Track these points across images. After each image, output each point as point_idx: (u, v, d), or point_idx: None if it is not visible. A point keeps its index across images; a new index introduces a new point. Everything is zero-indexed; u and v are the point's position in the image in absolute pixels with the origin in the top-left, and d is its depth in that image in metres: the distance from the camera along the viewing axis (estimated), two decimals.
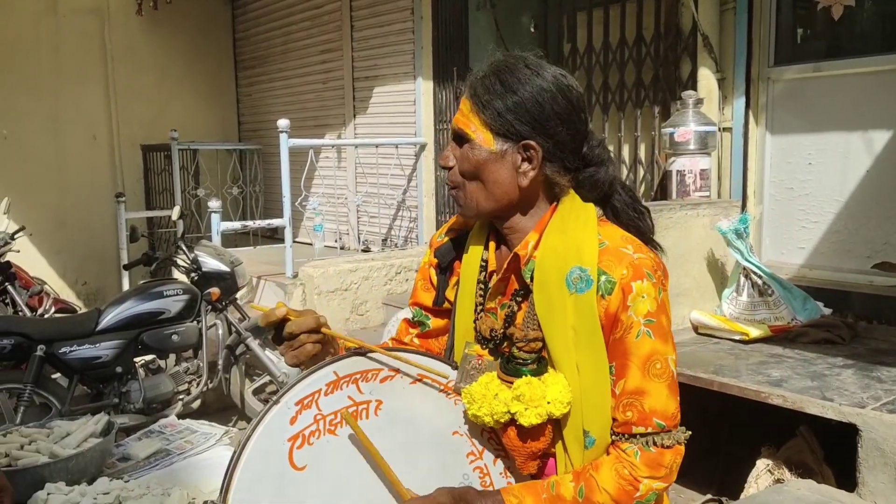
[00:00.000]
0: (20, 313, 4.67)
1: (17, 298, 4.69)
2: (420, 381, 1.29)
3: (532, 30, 5.74)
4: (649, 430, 1.22)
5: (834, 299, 3.53)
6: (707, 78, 3.98)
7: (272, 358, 4.22)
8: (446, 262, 1.44)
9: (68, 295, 7.22)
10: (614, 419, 1.24)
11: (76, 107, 7.48)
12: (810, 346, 3.17)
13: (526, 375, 1.23)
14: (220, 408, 4.46)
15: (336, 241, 5.88)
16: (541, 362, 1.25)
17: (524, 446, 1.26)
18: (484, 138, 1.26)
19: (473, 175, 1.29)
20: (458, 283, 1.41)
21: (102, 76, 7.62)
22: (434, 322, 1.48)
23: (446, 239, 1.46)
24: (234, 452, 1.12)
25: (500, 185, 1.28)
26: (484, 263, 1.37)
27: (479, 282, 1.36)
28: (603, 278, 1.22)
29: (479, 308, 1.36)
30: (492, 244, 1.37)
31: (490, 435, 1.32)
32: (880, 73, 3.57)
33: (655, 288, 1.23)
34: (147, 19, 7.73)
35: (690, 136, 3.74)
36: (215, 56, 8.28)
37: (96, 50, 7.58)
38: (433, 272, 1.47)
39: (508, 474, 1.33)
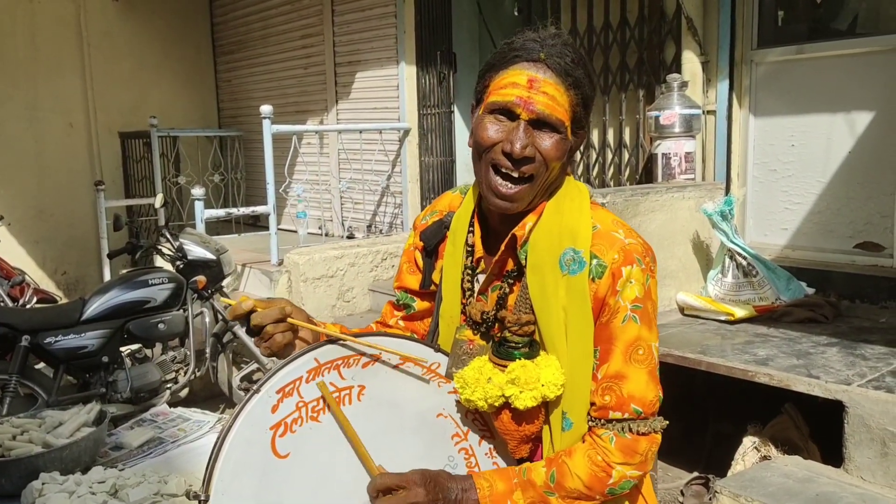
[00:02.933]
0: (2, 304, 4.61)
1: None
2: (403, 364, 1.27)
3: (515, 13, 5.73)
4: (626, 415, 1.21)
5: (817, 279, 3.58)
6: (691, 61, 4.00)
7: None
8: (432, 245, 1.42)
9: (48, 285, 7.13)
10: (592, 403, 1.24)
11: (53, 94, 7.36)
12: (795, 325, 3.22)
13: (519, 359, 1.23)
14: (207, 396, 4.44)
15: (320, 227, 5.86)
16: (533, 345, 1.25)
17: (518, 430, 1.25)
18: (569, 129, 1.23)
19: (555, 167, 1.24)
20: (442, 267, 1.39)
21: (79, 63, 7.49)
22: (419, 304, 1.47)
23: (431, 222, 1.44)
24: (216, 443, 1.10)
25: (560, 174, 1.28)
26: (470, 248, 1.35)
27: (465, 267, 1.34)
28: (594, 262, 1.22)
29: (469, 292, 1.34)
30: (477, 228, 1.35)
31: (475, 416, 1.32)
32: (862, 55, 3.60)
33: (644, 274, 1.23)
34: (123, 4, 7.61)
35: (675, 119, 3.76)
36: (193, 41, 8.17)
37: (72, 36, 7.45)
38: (418, 255, 1.45)
39: (494, 455, 1.33)
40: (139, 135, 7.39)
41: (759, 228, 4.07)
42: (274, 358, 4.39)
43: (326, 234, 5.91)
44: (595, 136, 4.59)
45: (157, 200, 4.61)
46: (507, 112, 1.21)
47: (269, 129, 4.96)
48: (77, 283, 7.55)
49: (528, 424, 1.25)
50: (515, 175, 1.21)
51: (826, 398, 2.48)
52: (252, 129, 7.36)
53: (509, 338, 1.25)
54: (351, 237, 6.00)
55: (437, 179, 5.66)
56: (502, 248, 1.29)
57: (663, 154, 3.83)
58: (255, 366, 4.34)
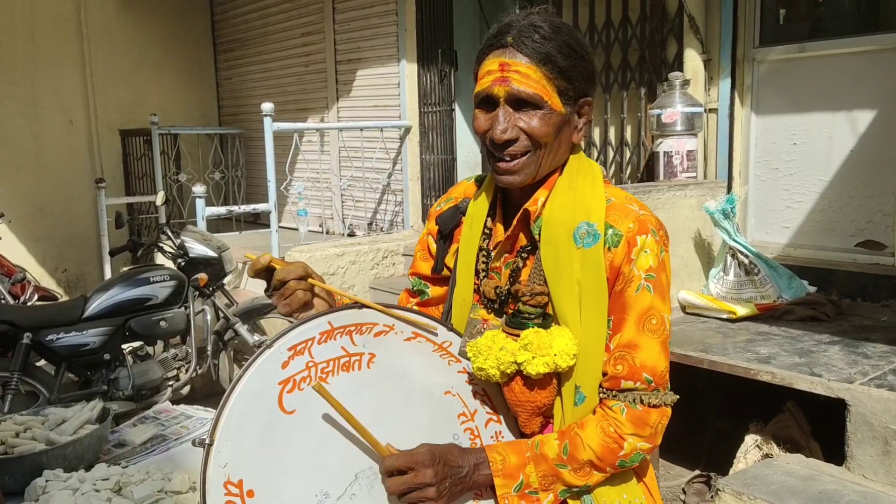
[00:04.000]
0: (3, 301, 4.61)
1: (0, 286, 4.63)
2: (415, 338, 1.28)
3: (517, 10, 5.71)
4: (638, 384, 1.22)
5: (818, 277, 3.58)
6: (693, 59, 4.00)
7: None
8: (448, 230, 1.43)
9: (48, 282, 7.13)
10: (604, 374, 1.24)
11: (53, 91, 7.35)
12: (796, 323, 3.22)
13: (532, 328, 1.23)
14: (209, 393, 4.44)
15: (320, 225, 5.86)
16: (545, 318, 1.25)
17: (529, 399, 1.24)
18: (555, 102, 1.23)
19: (547, 142, 1.25)
20: (458, 249, 1.40)
21: (79, 60, 7.48)
22: (433, 290, 1.48)
23: (447, 207, 1.46)
24: (226, 392, 1.12)
25: (564, 147, 1.29)
26: (488, 231, 1.36)
27: (481, 249, 1.35)
28: (610, 231, 1.23)
29: (483, 273, 1.35)
30: (499, 212, 1.36)
31: (483, 398, 1.32)
32: (864, 54, 3.60)
33: (658, 245, 1.24)
34: (123, 1, 7.60)
35: (677, 118, 3.76)
36: (194, 39, 8.16)
37: (72, 33, 7.44)
38: (431, 240, 1.47)
39: (500, 437, 1.32)
40: (140, 132, 7.38)
41: (760, 227, 4.07)
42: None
43: (327, 232, 5.91)
44: (596, 135, 4.59)
45: (159, 198, 4.61)
46: (488, 100, 1.25)
47: (269, 127, 4.96)
48: (78, 281, 7.55)
49: (541, 391, 1.24)
50: (507, 158, 1.26)
51: (828, 396, 2.48)
52: (253, 127, 7.35)
53: (522, 308, 1.25)
54: (352, 235, 6.00)
55: (438, 177, 5.65)
56: (514, 223, 1.30)
57: (665, 152, 3.83)
58: None
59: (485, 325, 1.32)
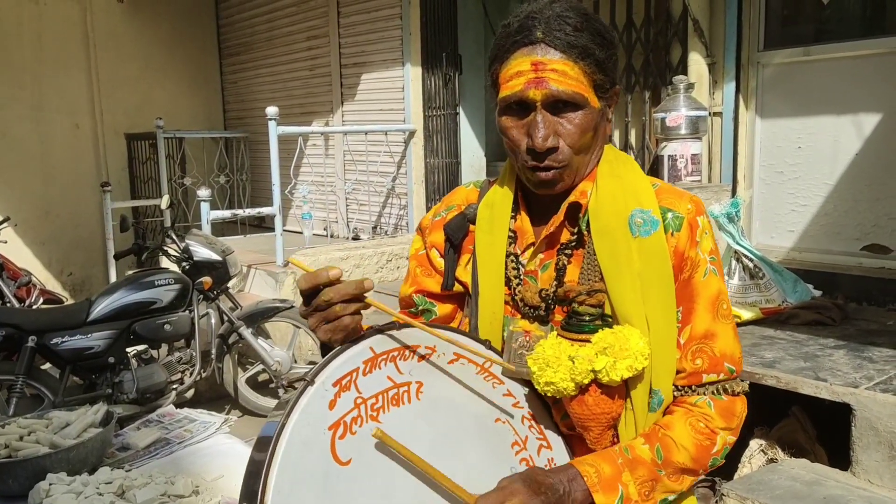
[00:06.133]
0: (8, 304, 4.62)
1: (5, 290, 4.64)
2: (457, 360, 1.14)
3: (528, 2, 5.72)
4: (721, 376, 1.14)
5: (824, 281, 3.57)
6: (697, 63, 3.99)
7: (265, 346, 4.21)
8: (458, 240, 1.28)
9: (54, 286, 7.15)
10: (680, 371, 1.15)
11: (59, 95, 7.38)
12: (801, 327, 3.20)
13: (603, 330, 1.11)
14: (213, 397, 4.45)
15: (325, 229, 5.86)
16: (604, 318, 1.14)
17: (605, 411, 1.11)
18: (593, 99, 1.13)
19: (587, 145, 1.15)
20: (470, 261, 1.27)
21: (85, 64, 7.52)
22: (441, 309, 1.33)
23: (450, 216, 1.31)
24: (266, 444, 0.91)
25: (601, 142, 1.20)
26: (512, 234, 1.24)
27: (509, 254, 1.23)
28: (669, 215, 1.15)
29: (516, 280, 1.22)
30: (522, 212, 1.25)
31: (531, 422, 1.19)
32: (869, 57, 3.59)
33: (711, 226, 1.18)
34: (129, 6, 7.63)
35: (682, 121, 3.75)
36: (199, 43, 8.19)
37: (78, 37, 7.48)
38: (435, 254, 1.32)
39: (553, 465, 1.19)
40: (145, 136, 7.41)
41: (765, 230, 4.06)
42: (279, 360, 4.35)
43: (331, 236, 5.92)
44: None
45: (164, 202, 4.62)
46: (520, 104, 1.13)
47: (274, 131, 4.97)
48: (83, 284, 7.57)
49: (619, 399, 1.12)
50: (548, 167, 1.14)
51: (833, 401, 2.47)
52: (258, 131, 7.37)
53: (580, 310, 1.12)
54: (356, 238, 6.01)
55: (443, 181, 5.66)
56: (558, 219, 1.19)
57: (669, 156, 3.83)
58: (260, 367, 4.35)
59: (527, 338, 1.19)
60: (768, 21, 3.93)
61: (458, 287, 1.30)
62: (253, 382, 4.53)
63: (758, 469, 2.70)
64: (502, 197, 1.25)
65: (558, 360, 1.09)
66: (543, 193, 1.19)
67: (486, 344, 1.18)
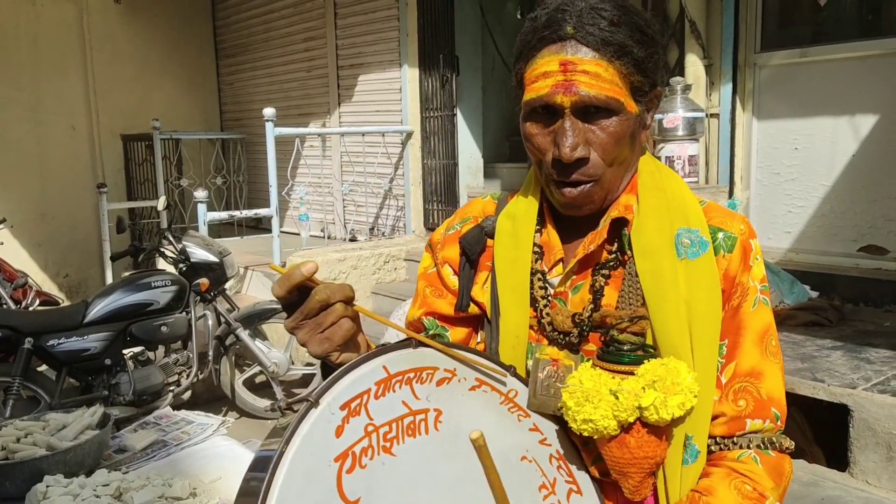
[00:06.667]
0: (5, 306, 4.61)
1: (2, 291, 4.63)
2: (480, 387, 1.00)
3: (518, 16, 5.73)
4: (766, 423, 0.99)
5: (820, 282, 3.57)
6: (694, 64, 4.00)
7: (262, 348, 4.20)
8: (476, 255, 1.14)
9: (50, 287, 7.14)
10: (717, 416, 1.00)
11: (56, 97, 7.37)
12: (798, 328, 3.21)
13: (636, 363, 0.96)
14: (210, 399, 4.44)
15: (322, 230, 5.86)
16: (645, 349, 0.99)
17: (648, 455, 0.94)
18: (630, 104, 0.99)
19: (621, 155, 1.01)
20: (488, 279, 1.12)
21: (81, 66, 7.50)
22: (453, 333, 1.17)
23: (465, 229, 1.17)
24: (260, 478, 0.77)
25: (638, 151, 1.06)
26: (538, 249, 1.09)
27: (535, 272, 1.08)
28: (721, 235, 1.02)
29: (544, 301, 1.08)
30: (549, 225, 1.10)
31: (559, 462, 1.03)
32: (866, 59, 3.60)
33: (762, 252, 1.06)
34: (125, 7, 7.62)
35: (679, 123, 3.76)
36: (196, 44, 8.18)
37: (75, 39, 7.47)
38: (449, 271, 1.17)
39: None
40: (141, 137, 7.40)
41: (762, 232, 4.06)
42: (276, 361, 4.31)
43: (329, 237, 5.91)
44: None
45: (161, 203, 4.61)
46: (547, 108, 0.99)
47: (271, 132, 4.97)
48: (79, 286, 7.55)
49: (666, 441, 0.96)
50: (576, 182, 1.01)
51: (831, 402, 2.47)
52: (254, 132, 7.36)
53: (620, 338, 0.98)
54: (353, 240, 6.00)
55: (440, 182, 5.66)
56: (600, 236, 1.04)
57: (666, 157, 3.83)
58: (257, 368, 4.34)
59: (556, 368, 1.02)
60: (765, 22, 3.94)
61: (473, 308, 1.14)
62: (250, 384, 4.52)
63: None
64: (526, 208, 1.10)
65: (599, 395, 0.93)
66: (573, 213, 1.06)
67: (512, 370, 1.02)
